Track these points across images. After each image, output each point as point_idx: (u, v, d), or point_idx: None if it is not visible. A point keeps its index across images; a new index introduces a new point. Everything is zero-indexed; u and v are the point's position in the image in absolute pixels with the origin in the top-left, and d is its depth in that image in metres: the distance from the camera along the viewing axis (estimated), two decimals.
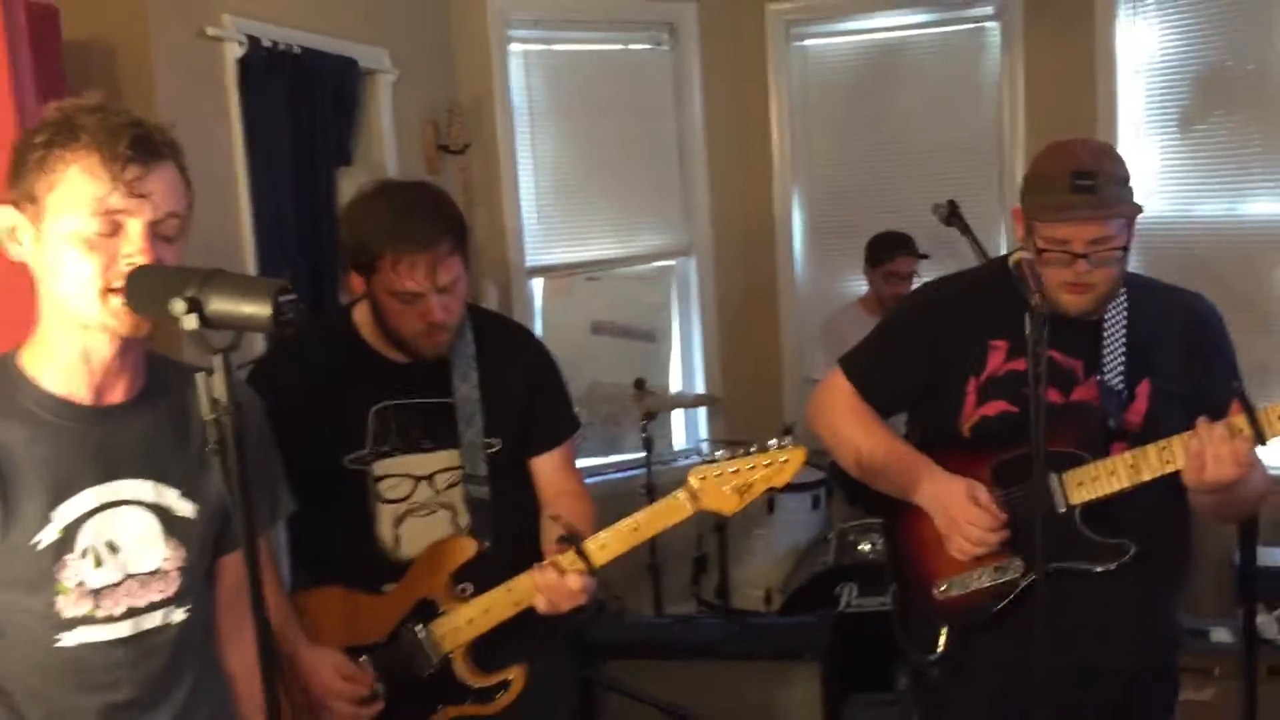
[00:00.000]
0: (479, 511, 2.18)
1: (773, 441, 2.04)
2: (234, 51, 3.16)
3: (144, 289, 1.40)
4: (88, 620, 1.53)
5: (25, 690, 1.54)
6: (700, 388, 5.22)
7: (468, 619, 2.10)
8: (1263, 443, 1.94)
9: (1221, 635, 3.31)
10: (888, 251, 4.55)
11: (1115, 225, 2.05)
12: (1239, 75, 4.35)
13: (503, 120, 4.69)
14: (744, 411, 5.06)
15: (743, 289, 5.25)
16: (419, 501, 2.18)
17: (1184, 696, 3.12)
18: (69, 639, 1.53)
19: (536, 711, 2.23)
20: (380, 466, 2.16)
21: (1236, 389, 1.99)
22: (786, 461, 2.02)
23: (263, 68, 3.25)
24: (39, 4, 2.28)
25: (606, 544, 2.05)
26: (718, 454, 2.05)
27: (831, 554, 4.02)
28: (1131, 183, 2.10)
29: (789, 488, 4.18)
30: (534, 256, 4.87)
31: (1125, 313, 2.17)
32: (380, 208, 2.11)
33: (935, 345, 2.25)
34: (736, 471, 2.03)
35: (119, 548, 1.55)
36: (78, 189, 1.43)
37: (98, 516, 1.53)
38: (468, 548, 2.14)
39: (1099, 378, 2.14)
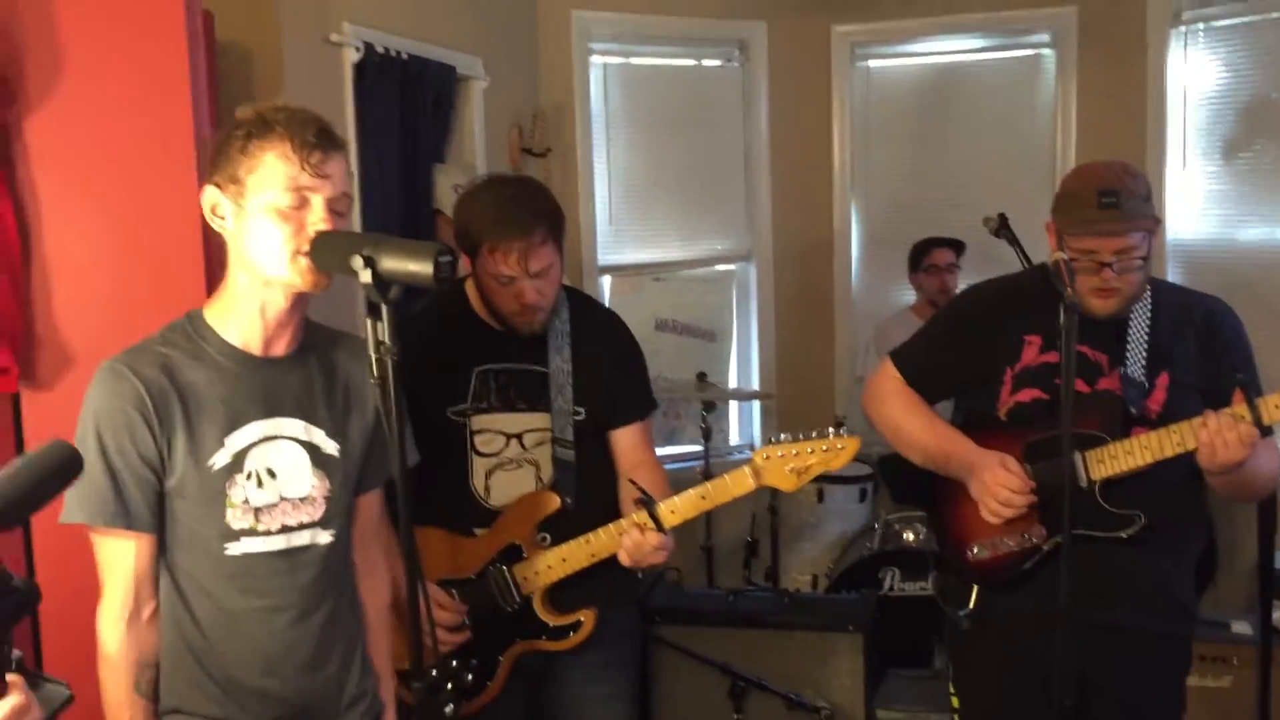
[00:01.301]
0: (563, 471, 2.41)
1: (831, 430, 2.28)
2: (351, 56, 3.48)
3: (327, 249, 1.70)
4: (250, 533, 1.81)
5: (196, 590, 1.82)
6: (756, 387, 5.44)
7: (547, 565, 2.35)
8: (1261, 427, 2.17)
9: (1242, 628, 3.47)
10: (923, 248, 4.87)
11: (1137, 237, 2.28)
12: None
13: (582, 127, 4.97)
14: (797, 411, 5.23)
15: (800, 294, 5.46)
16: (508, 457, 2.42)
17: (1203, 683, 3.39)
18: (235, 549, 1.81)
19: (603, 652, 2.47)
20: (477, 421, 2.41)
21: (1240, 380, 2.23)
22: (843, 449, 2.26)
23: (375, 72, 3.57)
24: (202, 9, 2.61)
25: (676, 508, 2.28)
26: (782, 436, 2.28)
27: (877, 541, 4.24)
28: (1151, 198, 2.33)
29: (839, 479, 4.53)
30: (605, 256, 5.13)
31: (1149, 312, 2.40)
32: (484, 198, 2.37)
33: (975, 339, 2.49)
34: (798, 454, 2.26)
35: (276, 474, 1.83)
36: (274, 170, 1.72)
37: (260, 446, 1.82)
38: (552, 502, 2.38)
39: (1122, 370, 2.37)
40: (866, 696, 3.37)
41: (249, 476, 1.81)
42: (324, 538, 1.88)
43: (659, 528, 2.27)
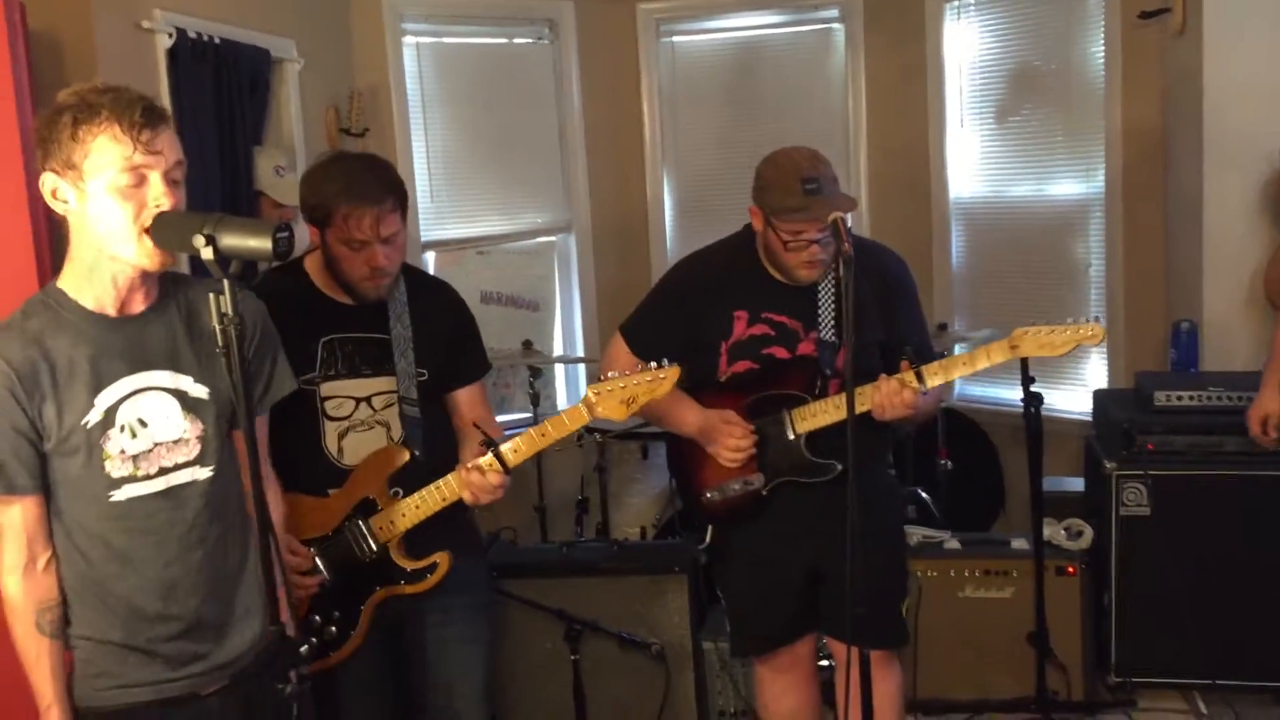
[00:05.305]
0: (412, 427, 2.59)
1: (654, 363, 2.45)
2: (164, 42, 3.50)
3: (168, 228, 1.84)
4: (131, 479, 1.99)
5: (87, 534, 1.99)
6: (580, 353, 5.63)
7: (400, 513, 2.51)
8: (926, 390, 2.62)
9: (1020, 544, 3.87)
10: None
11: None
12: (1045, 73, 4.98)
13: (398, 107, 5.07)
14: None
15: (618, 263, 5.68)
16: (359, 419, 2.59)
17: (988, 595, 3.77)
18: (118, 495, 1.98)
19: (458, 597, 2.65)
20: (326, 388, 2.56)
21: (907, 354, 2.64)
22: (664, 377, 2.43)
23: (189, 57, 3.60)
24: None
25: (518, 448, 2.48)
26: (610, 374, 2.45)
27: None
28: (837, 179, 2.69)
29: (661, 436, 4.73)
30: (428, 232, 5.24)
31: (834, 278, 2.74)
32: (335, 170, 2.53)
33: (691, 314, 2.82)
34: (624, 386, 2.43)
35: (148, 422, 2.00)
36: (107, 153, 1.85)
37: (130, 400, 1.98)
38: (402, 455, 2.53)
39: (816, 334, 2.75)
40: (693, 631, 3.64)
41: (121, 429, 1.98)
42: (203, 474, 2.06)
43: (504, 467, 2.46)
